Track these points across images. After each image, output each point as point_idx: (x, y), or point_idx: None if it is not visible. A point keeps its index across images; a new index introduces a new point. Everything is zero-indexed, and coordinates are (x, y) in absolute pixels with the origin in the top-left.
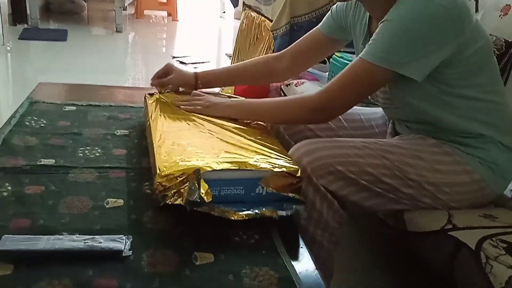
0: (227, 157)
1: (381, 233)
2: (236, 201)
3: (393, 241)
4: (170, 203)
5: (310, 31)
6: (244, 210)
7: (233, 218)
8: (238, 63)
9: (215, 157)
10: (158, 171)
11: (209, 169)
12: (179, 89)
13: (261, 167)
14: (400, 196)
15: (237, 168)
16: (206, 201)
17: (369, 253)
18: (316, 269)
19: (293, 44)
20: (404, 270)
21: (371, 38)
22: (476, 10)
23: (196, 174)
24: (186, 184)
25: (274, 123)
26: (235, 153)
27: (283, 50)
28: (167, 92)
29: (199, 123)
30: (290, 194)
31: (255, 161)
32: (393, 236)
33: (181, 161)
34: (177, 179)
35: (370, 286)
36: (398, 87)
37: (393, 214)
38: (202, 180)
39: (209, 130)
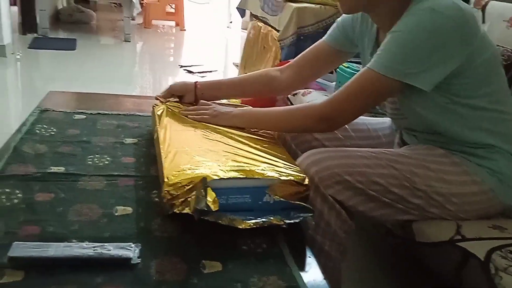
0: (234, 166)
1: (389, 243)
2: (244, 210)
3: (401, 252)
4: (177, 211)
5: (315, 43)
6: (251, 219)
7: (240, 226)
8: (241, 75)
9: (222, 165)
10: (165, 179)
11: (216, 177)
12: (182, 98)
13: (268, 176)
14: (408, 206)
15: (244, 176)
16: (213, 209)
17: (377, 263)
18: (324, 279)
19: (297, 57)
20: (412, 281)
21: (378, 49)
22: (483, 21)
23: (203, 182)
24: (193, 193)
25: (280, 131)
26: (242, 162)
27: (287, 64)
28: (174, 101)
29: (207, 132)
30: (297, 203)
31: (262, 170)
32: (401, 247)
33: (189, 169)
34: (185, 187)
35: None
36: (407, 97)
37: (401, 224)
38: (209, 189)
39: (216, 139)
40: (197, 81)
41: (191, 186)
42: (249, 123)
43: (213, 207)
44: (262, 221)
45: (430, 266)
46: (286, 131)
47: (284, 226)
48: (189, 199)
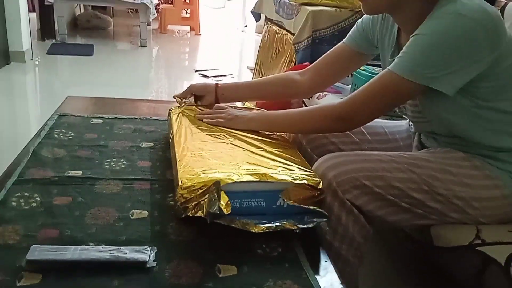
0: (248, 169)
1: (407, 248)
2: (258, 214)
3: (419, 256)
4: (191, 215)
5: (336, 46)
6: (264, 223)
7: (253, 230)
8: (260, 78)
9: (236, 169)
10: (180, 183)
11: (229, 181)
12: (198, 102)
13: (282, 179)
14: (427, 211)
15: (258, 180)
16: (226, 213)
17: (395, 268)
18: (341, 283)
19: (318, 60)
20: (430, 286)
21: (401, 51)
22: None
23: (216, 186)
24: (206, 196)
25: (296, 133)
26: (256, 165)
27: (307, 67)
28: (189, 105)
29: (221, 136)
30: (312, 207)
31: (276, 173)
32: (419, 251)
33: (203, 173)
34: (198, 191)
35: None
36: (429, 100)
37: (419, 229)
38: (222, 192)
39: (231, 142)
40: (217, 82)
41: (204, 189)
42: (264, 125)
43: (226, 211)
44: (275, 225)
45: (449, 271)
46: (302, 132)
47: (298, 231)
48: (202, 202)
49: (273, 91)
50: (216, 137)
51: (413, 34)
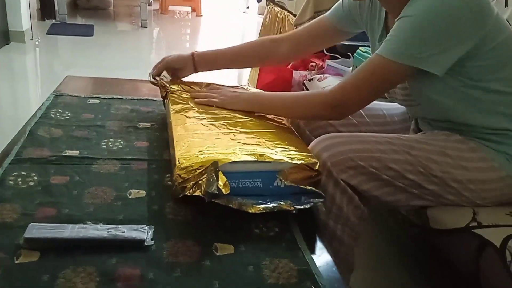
0: (245, 150)
1: (403, 230)
2: (255, 194)
3: (415, 238)
4: (189, 194)
5: (316, 18)
6: (261, 203)
7: (250, 211)
8: (236, 45)
9: (234, 149)
10: (177, 163)
11: (227, 161)
12: (180, 71)
13: (279, 159)
14: (423, 192)
15: (255, 160)
16: (224, 193)
17: (391, 250)
18: (334, 263)
19: (294, 30)
20: (427, 268)
21: (388, 34)
22: (506, 5)
23: (214, 166)
24: (204, 176)
25: (291, 117)
26: (254, 146)
27: (284, 34)
28: (172, 82)
29: (220, 117)
30: (309, 188)
31: (273, 154)
32: (415, 233)
33: (200, 153)
34: (196, 171)
35: (391, 283)
36: (419, 82)
37: (415, 211)
38: (220, 172)
39: (229, 123)
40: (193, 52)
41: (202, 169)
42: (258, 107)
43: (224, 191)
44: (272, 206)
45: (445, 254)
46: (295, 117)
47: (294, 211)
48: (200, 182)
49: (249, 60)
50: (214, 118)
51: (399, 17)
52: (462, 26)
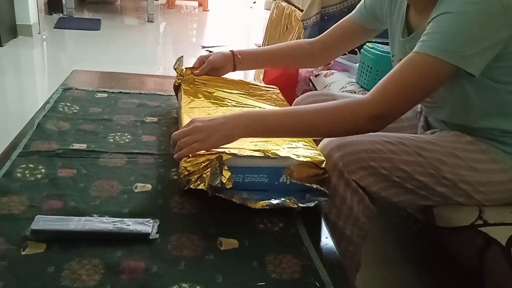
0: (253, 145)
1: (409, 227)
2: (260, 189)
3: (421, 236)
4: (193, 187)
5: (343, 19)
6: (265, 199)
7: (253, 206)
8: (272, 45)
9: (240, 144)
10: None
11: (231, 156)
12: (221, 70)
13: (285, 156)
14: (432, 194)
15: (261, 156)
16: (227, 187)
17: (397, 247)
18: (341, 259)
19: (324, 32)
20: (432, 265)
21: (427, 32)
22: None
23: (219, 160)
24: (208, 170)
25: (320, 137)
26: (263, 142)
27: (316, 38)
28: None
29: (228, 111)
30: (314, 185)
31: (280, 150)
32: (421, 231)
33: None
34: (201, 164)
35: (397, 280)
36: (451, 84)
37: (422, 209)
38: (224, 166)
39: None
40: (232, 50)
41: (207, 163)
42: (262, 133)
43: (227, 185)
44: (276, 202)
45: (450, 251)
46: (327, 136)
47: (299, 209)
48: (204, 175)
49: (286, 59)
50: (223, 112)
51: (438, 13)
52: (497, 25)
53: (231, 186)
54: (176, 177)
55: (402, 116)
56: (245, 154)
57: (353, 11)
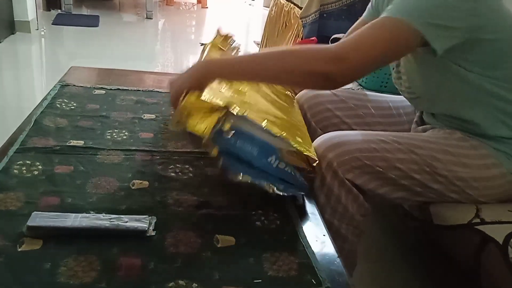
0: (260, 113)
1: (406, 225)
2: (245, 160)
3: (418, 234)
4: (189, 130)
5: (356, 22)
6: (244, 174)
7: (230, 177)
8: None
9: (250, 107)
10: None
11: (238, 112)
12: None
13: (286, 137)
14: (427, 191)
15: (264, 126)
16: (226, 134)
17: (393, 245)
18: (338, 257)
19: (343, 38)
20: (428, 263)
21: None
22: None
23: (226, 110)
24: (214, 114)
25: (271, 82)
26: (269, 114)
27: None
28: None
29: (243, 89)
30: (298, 175)
31: (283, 131)
32: (418, 229)
33: (219, 99)
34: (206, 105)
35: (393, 277)
36: (416, 59)
37: (418, 206)
38: (228, 118)
39: (253, 96)
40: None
41: (213, 109)
42: (223, 71)
43: (226, 134)
44: (252, 180)
45: (448, 250)
46: (286, 74)
47: (273, 194)
48: (205, 119)
49: None
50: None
51: None
52: (459, 9)
53: (230, 135)
54: (173, 174)
55: (401, 111)
56: (249, 116)
57: (364, 13)
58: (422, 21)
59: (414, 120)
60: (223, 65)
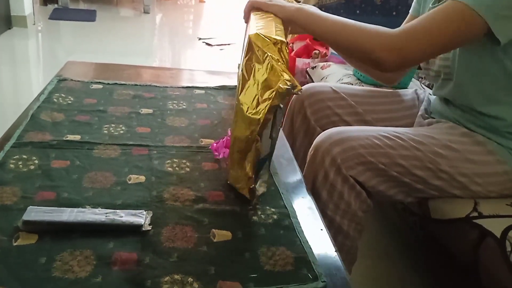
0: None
1: (405, 220)
2: None
3: (416, 228)
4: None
5: (407, 18)
6: None
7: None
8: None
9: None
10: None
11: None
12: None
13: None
14: (429, 187)
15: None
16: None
17: (392, 240)
18: (336, 251)
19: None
20: (427, 258)
21: None
22: None
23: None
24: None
25: (337, 45)
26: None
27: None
28: None
29: None
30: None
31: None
32: (417, 223)
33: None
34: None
35: (392, 273)
36: (474, 50)
37: (417, 201)
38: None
39: None
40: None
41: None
42: (307, 21)
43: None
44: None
45: (446, 244)
46: (343, 47)
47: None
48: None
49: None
50: None
51: None
52: None
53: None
54: (170, 169)
55: (404, 104)
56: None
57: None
58: (493, 12)
59: (419, 114)
60: (309, 22)
